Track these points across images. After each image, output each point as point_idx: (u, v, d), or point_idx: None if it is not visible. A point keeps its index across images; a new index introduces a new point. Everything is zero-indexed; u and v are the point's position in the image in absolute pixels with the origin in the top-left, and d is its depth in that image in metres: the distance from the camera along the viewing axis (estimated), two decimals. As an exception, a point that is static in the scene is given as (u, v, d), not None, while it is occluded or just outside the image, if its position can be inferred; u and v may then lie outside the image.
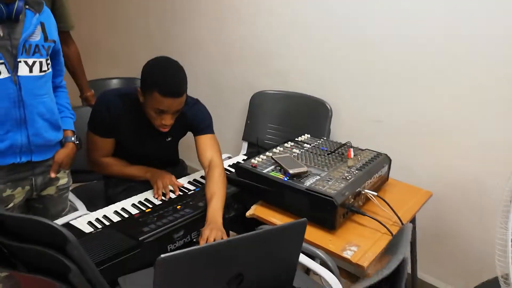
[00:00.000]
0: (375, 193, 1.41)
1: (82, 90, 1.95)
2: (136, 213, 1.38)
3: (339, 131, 2.09)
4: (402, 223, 1.37)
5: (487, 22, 1.56)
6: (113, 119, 1.52)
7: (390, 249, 0.88)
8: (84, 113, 1.78)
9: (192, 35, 2.67)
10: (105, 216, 1.37)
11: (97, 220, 1.34)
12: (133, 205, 1.45)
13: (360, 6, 1.87)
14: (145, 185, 1.59)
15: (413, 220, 1.68)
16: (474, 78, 1.64)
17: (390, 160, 1.62)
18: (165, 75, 1.40)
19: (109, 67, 3.26)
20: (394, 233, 1.31)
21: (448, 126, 1.75)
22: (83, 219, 1.34)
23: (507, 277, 0.95)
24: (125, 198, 1.50)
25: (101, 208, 1.43)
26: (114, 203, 1.47)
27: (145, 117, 1.53)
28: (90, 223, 1.32)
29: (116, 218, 1.36)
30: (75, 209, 1.64)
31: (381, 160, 1.58)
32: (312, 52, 2.10)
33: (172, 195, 1.51)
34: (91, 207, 1.61)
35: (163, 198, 1.48)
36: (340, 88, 2.04)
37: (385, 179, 1.62)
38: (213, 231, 1.23)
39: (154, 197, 1.49)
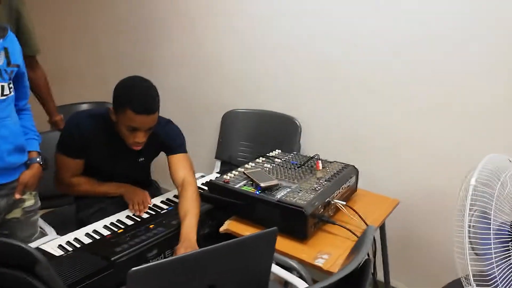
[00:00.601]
0: (344, 202, 1.46)
1: (50, 114, 1.93)
2: (108, 234, 1.36)
3: (310, 146, 2.15)
4: (370, 229, 1.41)
5: (443, 41, 1.68)
6: (85, 140, 1.52)
7: (354, 251, 0.92)
8: (52, 137, 1.76)
9: (162, 56, 2.70)
10: (76, 239, 1.35)
11: (68, 243, 1.32)
12: (105, 226, 1.44)
13: (325, 27, 1.97)
14: (117, 207, 1.58)
15: (382, 229, 1.74)
16: (435, 94, 1.75)
17: (357, 171, 1.68)
18: (137, 92, 1.42)
19: (77, 91, 3.23)
20: (363, 240, 1.35)
21: (413, 138, 1.85)
22: (53, 243, 1.32)
23: (468, 277, 1.01)
24: (97, 220, 1.49)
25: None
26: (85, 225, 1.45)
27: (117, 138, 1.54)
28: (60, 246, 1.30)
29: (87, 240, 1.34)
30: (45, 236, 1.60)
31: (349, 171, 1.64)
32: (280, 71, 2.18)
33: (145, 215, 1.51)
34: (62, 232, 1.58)
35: (135, 216, 1.50)
36: (309, 105, 2.12)
37: (353, 189, 1.68)
38: (188, 250, 1.23)
39: (132, 211, 1.52)
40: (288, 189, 1.42)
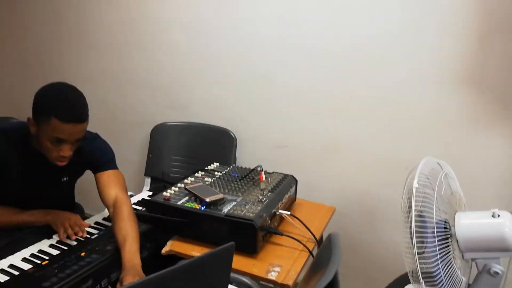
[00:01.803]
0: (288, 212, 1.46)
1: None
2: (29, 268, 1.17)
3: (244, 158, 2.13)
4: (316, 239, 1.43)
5: (371, 48, 1.79)
6: None
7: (320, 262, 0.91)
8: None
9: (81, 67, 2.48)
10: (-12, 278, 1.13)
11: (-22, 284, 1.10)
12: (24, 259, 1.23)
13: (256, 38, 1.99)
14: (36, 235, 1.37)
15: (321, 237, 1.78)
16: (364, 102, 1.86)
17: (296, 181, 1.70)
18: (64, 99, 1.27)
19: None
20: (310, 249, 1.37)
21: (343, 145, 1.94)
22: (-43, 286, 1.09)
23: (415, 272, 1.06)
24: (12, 254, 1.27)
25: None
26: (-2, 261, 1.23)
27: (35, 155, 1.35)
28: (-32, 289, 1.08)
29: (3, 278, 1.13)
30: None
31: (289, 181, 1.65)
32: (214, 83, 2.14)
33: (73, 242, 1.33)
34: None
35: (61, 244, 1.31)
36: (243, 117, 2.11)
37: (293, 199, 1.70)
38: (136, 278, 1.11)
39: (61, 239, 1.32)
40: (234, 203, 1.38)
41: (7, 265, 1.20)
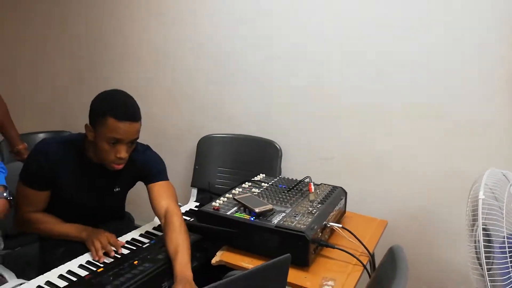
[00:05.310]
0: (340, 225, 1.41)
1: (12, 143, 1.74)
2: (86, 275, 1.21)
3: (289, 169, 2.10)
4: (370, 253, 1.37)
5: (425, 57, 1.73)
6: (53, 169, 1.37)
7: (381, 277, 0.86)
8: (15, 169, 1.59)
9: (128, 80, 2.57)
10: (48, 283, 1.17)
11: (40, 288, 1.15)
12: (81, 266, 1.27)
13: (302, 49, 1.98)
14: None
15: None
16: (415, 114, 1.79)
17: (346, 193, 1.65)
18: (119, 99, 1.35)
19: (38, 122, 2.99)
20: (364, 263, 1.31)
21: (394, 159, 1.87)
22: (20, 289, 1.14)
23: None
24: (68, 261, 1.31)
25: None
26: (53, 268, 1.27)
27: (90, 166, 1.41)
28: (31, 293, 1.12)
29: (62, 283, 1.17)
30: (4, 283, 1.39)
31: (339, 193, 1.60)
32: (258, 94, 2.15)
33: (125, 251, 1.36)
34: (23, 276, 1.39)
35: (105, 260, 1.30)
36: (288, 128, 2.09)
37: (343, 211, 1.64)
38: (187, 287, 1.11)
39: (94, 259, 1.30)
40: (283, 214, 1.35)
41: (66, 271, 1.24)
